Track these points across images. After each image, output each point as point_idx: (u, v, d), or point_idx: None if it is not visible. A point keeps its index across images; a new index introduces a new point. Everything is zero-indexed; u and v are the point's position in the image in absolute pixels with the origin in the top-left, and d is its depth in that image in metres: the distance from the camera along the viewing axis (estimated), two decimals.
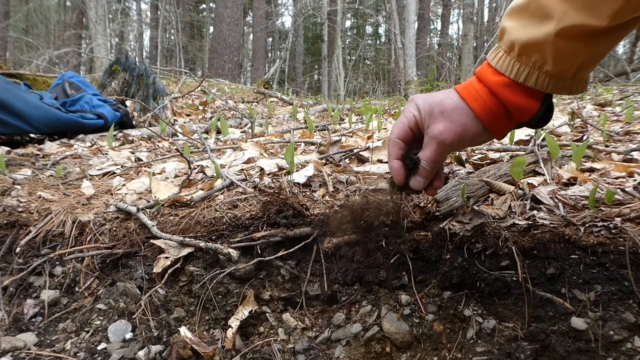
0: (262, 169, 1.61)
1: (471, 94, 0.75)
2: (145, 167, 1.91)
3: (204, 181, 1.60)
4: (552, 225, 0.99)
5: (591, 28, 0.65)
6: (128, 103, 3.20)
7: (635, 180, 1.18)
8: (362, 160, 1.72)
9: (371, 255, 1.08)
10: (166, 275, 1.16)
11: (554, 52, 0.68)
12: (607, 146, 1.57)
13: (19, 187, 1.58)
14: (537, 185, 1.20)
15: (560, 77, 0.71)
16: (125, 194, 1.54)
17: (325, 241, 1.11)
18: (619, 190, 1.09)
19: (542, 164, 1.32)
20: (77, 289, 1.27)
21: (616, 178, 1.23)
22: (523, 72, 0.71)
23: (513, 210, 1.10)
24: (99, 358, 1.09)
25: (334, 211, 1.17)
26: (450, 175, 1.38)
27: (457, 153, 1.58)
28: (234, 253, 1.09)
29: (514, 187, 1.18)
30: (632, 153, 1.44)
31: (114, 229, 1.30)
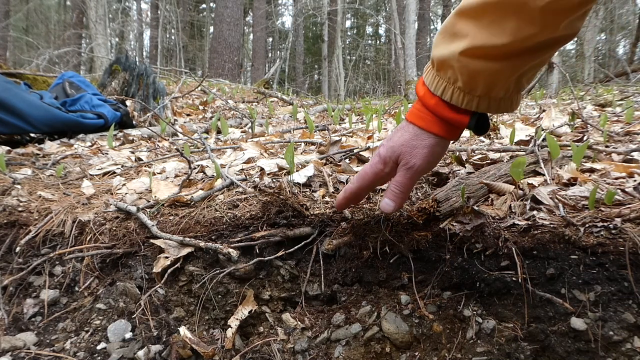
0: (262, 169, 1.61)
1: (422, 120, 0.85)
2: (145, 166, 1.91)
3: (204, 181, 1.60)
4: (552, 225, 0.99)
5: (493, 49, 0.72)
6: (128, 103, 3.20)
7: (635, 180, 1.18)
8: (362, 161, 1.72)
9: (370, 257, 1.08)
10: (166, 275, 1.16)
11: (460, 70, 0.77)
12: (607, 147, 1.57)
13: (19, 186, 1.58)
14: (537, 185, 1.20)
15: (472, 93, 0.79)
16: (125, 193, 1.54)
17: (325, 242, 1.11)
18: (619, 190, 1.09)
19: (542, 164, 1.32)
20: (76, 288, 1.27)
21: (616, 178, 1.23)
22: (441, 87, 0.80)
23: (513, 210, 1.10)
24: (99, 358, 1.09)
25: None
26: (450, 175, 1.38)
27: (457, 153, 1.58)
28: (234, 253, 1.09)
29: (514, 187, 1.18)
30: (633, 153, 1.44)
31: (114, 228, 1.30)
